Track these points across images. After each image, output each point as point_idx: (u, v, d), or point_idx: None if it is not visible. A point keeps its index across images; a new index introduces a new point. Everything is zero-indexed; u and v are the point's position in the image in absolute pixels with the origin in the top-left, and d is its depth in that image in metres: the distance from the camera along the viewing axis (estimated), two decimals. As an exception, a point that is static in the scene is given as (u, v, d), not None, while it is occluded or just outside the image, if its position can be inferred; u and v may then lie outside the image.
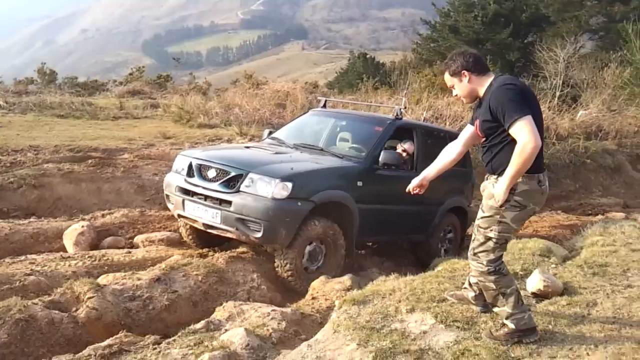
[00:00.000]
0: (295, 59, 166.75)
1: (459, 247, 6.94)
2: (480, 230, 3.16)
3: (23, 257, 5.05)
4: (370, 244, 6.89)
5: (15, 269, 4.61)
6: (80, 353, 3.26)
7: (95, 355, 3.20)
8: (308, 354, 2.98)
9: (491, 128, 3.06)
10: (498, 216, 3.07)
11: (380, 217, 5.81)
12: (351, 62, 36.13)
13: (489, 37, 23.62)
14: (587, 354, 2.99)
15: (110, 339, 3.44)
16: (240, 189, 4.94)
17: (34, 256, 5.12)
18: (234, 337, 3.18)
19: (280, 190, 4.81)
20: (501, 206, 3.02)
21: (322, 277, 4.93)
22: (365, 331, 3.14)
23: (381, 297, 3.69)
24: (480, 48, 23.19)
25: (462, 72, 3.19)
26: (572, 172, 12.50)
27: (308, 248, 5.09)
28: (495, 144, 3.08)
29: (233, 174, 5.02)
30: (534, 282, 4.00)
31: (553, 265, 4.79)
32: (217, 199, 5.01)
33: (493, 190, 3.06)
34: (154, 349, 3.27)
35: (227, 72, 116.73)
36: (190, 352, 3.12)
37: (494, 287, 3.14)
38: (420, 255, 6.67)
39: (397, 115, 6.34)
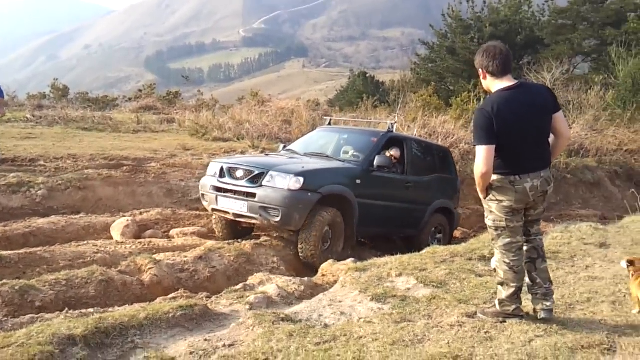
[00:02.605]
0: (296, 77, 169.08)
1: (448, 244, 8.05)
2: (486, 221, 3.69)
3: (85, 242, 6.18)
4: (367, 241, 8.03)
5: (84, 249, 5.75)
6: (154, 301, 4.39)
7: (164, 302, 4.32)
8: (324, 298, 4.13)
9: None
10: (487, 206, 3.62)
11: (377, 211, 7.03)
12: (351, 81, 37.20)
13: (485, 58, 24.66)
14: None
15: (173, 293, 4.58)
16: (263, 184, 6.19)
17: (93, 241, 6.25)
18: (269, 289, 4.33)
19: (294, 183, 6.04)
20: (484, 197, 3.60)
21: (329, 261, 6.03)
22: (365, 285, 4.29)
23: (377, 267, 4.84)
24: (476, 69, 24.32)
25: (479, 68, 3.58)
26: (553, 186, 13.65)
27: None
28: None
29: (257, 172, 6.29)
30: (495, 261, 5.13)
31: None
32: (244, 192, 6.27)
33: None
34: (207, 299, 4.39)
35: (228, 89, 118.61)
36: (236, 301, 4.23)
37: (502, 275, 3.61)
38: (412, 248, 7.76)
39: (389, 128, 7.70)
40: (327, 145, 7.74)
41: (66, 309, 4.00)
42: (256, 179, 6.24)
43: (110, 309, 4.18)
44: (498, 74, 3.48)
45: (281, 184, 6.06)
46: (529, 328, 3.50)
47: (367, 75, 35.90)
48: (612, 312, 3.88)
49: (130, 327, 3.26)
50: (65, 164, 9.39)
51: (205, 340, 3.26)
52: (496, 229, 3.58)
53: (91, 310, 4.04)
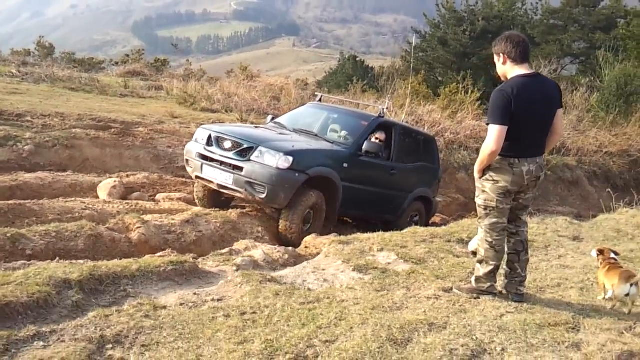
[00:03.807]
0: (285, 55, 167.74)
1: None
2: (476, 200, 3.81)
3: (73, 199, 6.24)
4: (351, 221, 8.20)
5: (72, 205, 5.82)
6: (142, 258, 4.50)
7: (151, 259, 4.43)
8: (308, 266, 4.30)
9: None
10: (481, 186, 3.75)
11: (360, 195, 7.10)
12: (341, 63, 36.97)
13: (476, 51, 24.68)
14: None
15: (161, 252, 4.70)
16: (251, 159, 6.13)
17: (81, 199, 6.32)
18: (255, 254, 4.48)
19: (283, 162, 6.03)
20: (480, 177, 3.74)
21: (313, 235, 6.21)
22: (347, 256, 4.48)
23: (359, 241, 5.02)
24: (466, 62, 24.48)
25: (499, 54, 3.70)
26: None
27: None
28: None
29: (246, 146, 6.23)
30: (473, 244, 5.34)
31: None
32: (231, 165, 6.20)
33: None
34: (194, 260, 4.52)
35: (216, 62, 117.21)
36: (222, 263, 4.37)
37: (482, 253, 3.78)
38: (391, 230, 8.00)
39: (380, 114, 7.70)
40: (316, 122, 7.73)
41: (57, 258, 4.10)
42: (245, 152, 6.19)
43: (99, 263, 4.28)
44: (519, 60, 3.64)
45: (270, 161, 6.04)
46: (501, 305, 3.71)
47: (358, 59, 35.79)
48: (580, 297, 4.12)
49: (122, 277, 3.40)
50: (53, 122, 9.35)
51: (195, 294, 3.41)
52: (485, 207, 3.73)
53: (81, 262, 4.14)
